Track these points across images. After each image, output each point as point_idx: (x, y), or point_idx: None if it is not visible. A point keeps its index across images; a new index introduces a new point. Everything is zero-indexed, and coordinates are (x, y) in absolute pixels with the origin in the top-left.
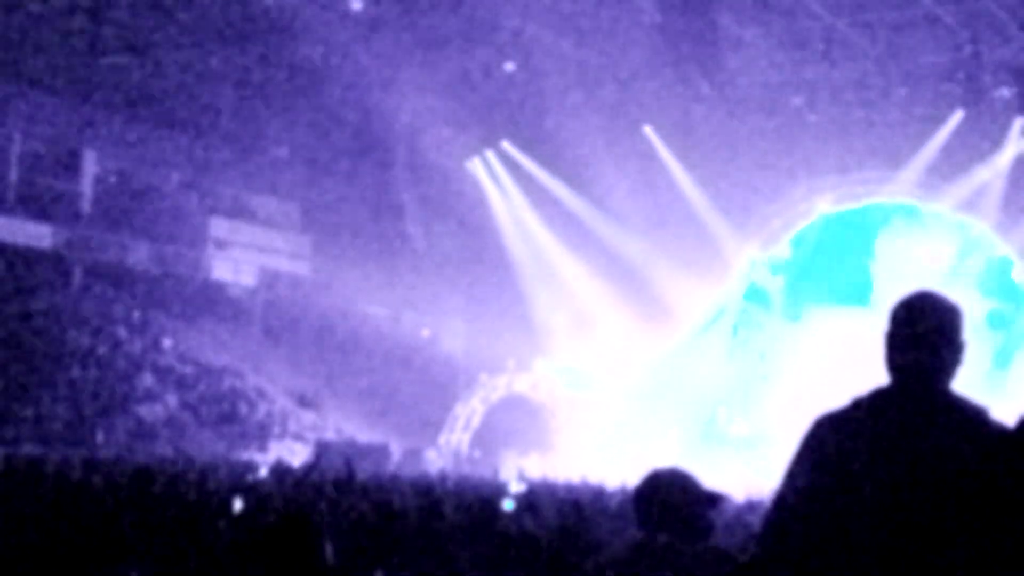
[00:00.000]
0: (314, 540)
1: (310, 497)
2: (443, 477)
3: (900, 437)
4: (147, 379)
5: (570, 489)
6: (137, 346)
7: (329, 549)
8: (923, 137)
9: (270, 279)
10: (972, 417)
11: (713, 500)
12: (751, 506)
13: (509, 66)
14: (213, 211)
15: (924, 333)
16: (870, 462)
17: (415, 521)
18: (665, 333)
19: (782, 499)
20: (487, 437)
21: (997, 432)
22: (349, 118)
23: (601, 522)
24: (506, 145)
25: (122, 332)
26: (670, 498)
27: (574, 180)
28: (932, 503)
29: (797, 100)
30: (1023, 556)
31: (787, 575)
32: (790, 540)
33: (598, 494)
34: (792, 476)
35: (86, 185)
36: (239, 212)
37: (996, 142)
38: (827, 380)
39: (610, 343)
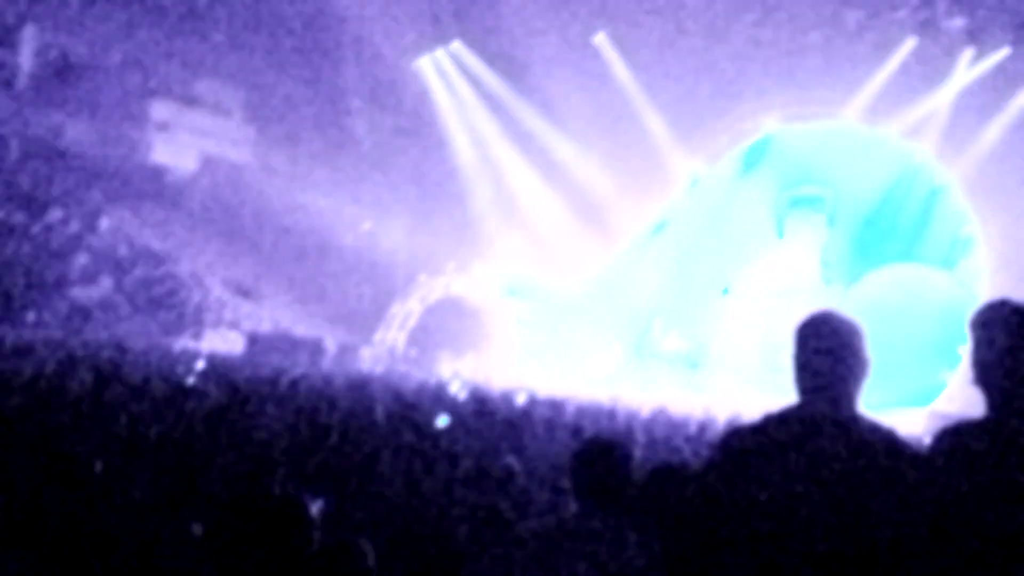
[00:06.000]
0: (305, 528)
1: (241, 399)
2: (377, 381)
3: (806, 465)
4: (82, 260)
5: (506, 398)
6: (73, 226)
7: (317, 536)
8: (875, 62)
9: (211, 165)
10: (878, 442)
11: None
12: (684, 424)
13: None
14: (156, 93)
15: (829, 357)
16: (778, 489)
17: (346, 439)
18: (607, 243)
19: (693, 510)
20: (423, 337)
21: (903, 457)
22: (298, 7)
23: (530, 445)
24: (456, 46)
25: (58, 211)
26: (604, 472)
27: (523, 85)
28: (840, 529)
29: (750, 17)
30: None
31: None
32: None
33: (531, 406)
34: (701, 490)
35: (25, 59)
36: (183, 96)
37: (945, 71)
38: (767, 302)
39: (551, 251)
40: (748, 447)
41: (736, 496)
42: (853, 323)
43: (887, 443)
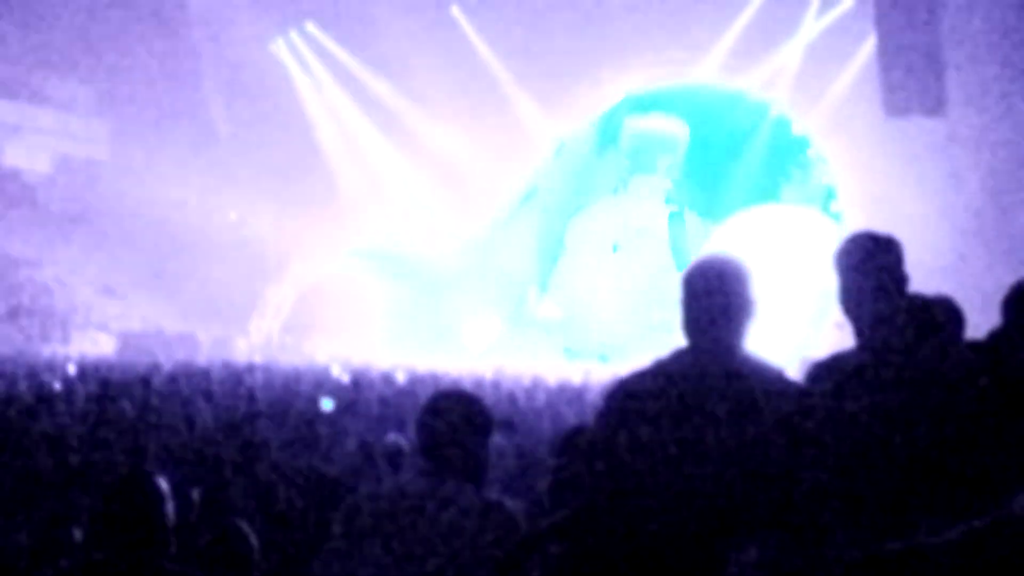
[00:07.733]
0: (155, 501)
1: (114, 401)
2: (253, 369)
3: (699, 404)
4: None
5: (386, 378)
6: None
7: (170, 508)
8: (727, 19)
9: (66, 165)
10: (766, 381)
11: (488, 429)
12: (561, 390)
13: None
14: (4, 94)
15: (715, 300)
16: (672, 432)
17: (231, 430)
18: (475, 216)
19: (590, 468)
20: (298, 323)
21: (789, 394)
22: None
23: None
24: (310, 27)
25: None
26: (453, 427)
27: (380, 62)
28: (732, 470)
29: None
30: (816, 516)
31: (592, 545)
32: (599, 507)
33: (411, 384)
34: (598, 443)
35: None
36: (32, 95)
37: (795, 24)
38: (625, 262)
39: (420, 227)
40: (640, 392)
41: (631, 443)
42: (739, 265)
43: (775, 382)
